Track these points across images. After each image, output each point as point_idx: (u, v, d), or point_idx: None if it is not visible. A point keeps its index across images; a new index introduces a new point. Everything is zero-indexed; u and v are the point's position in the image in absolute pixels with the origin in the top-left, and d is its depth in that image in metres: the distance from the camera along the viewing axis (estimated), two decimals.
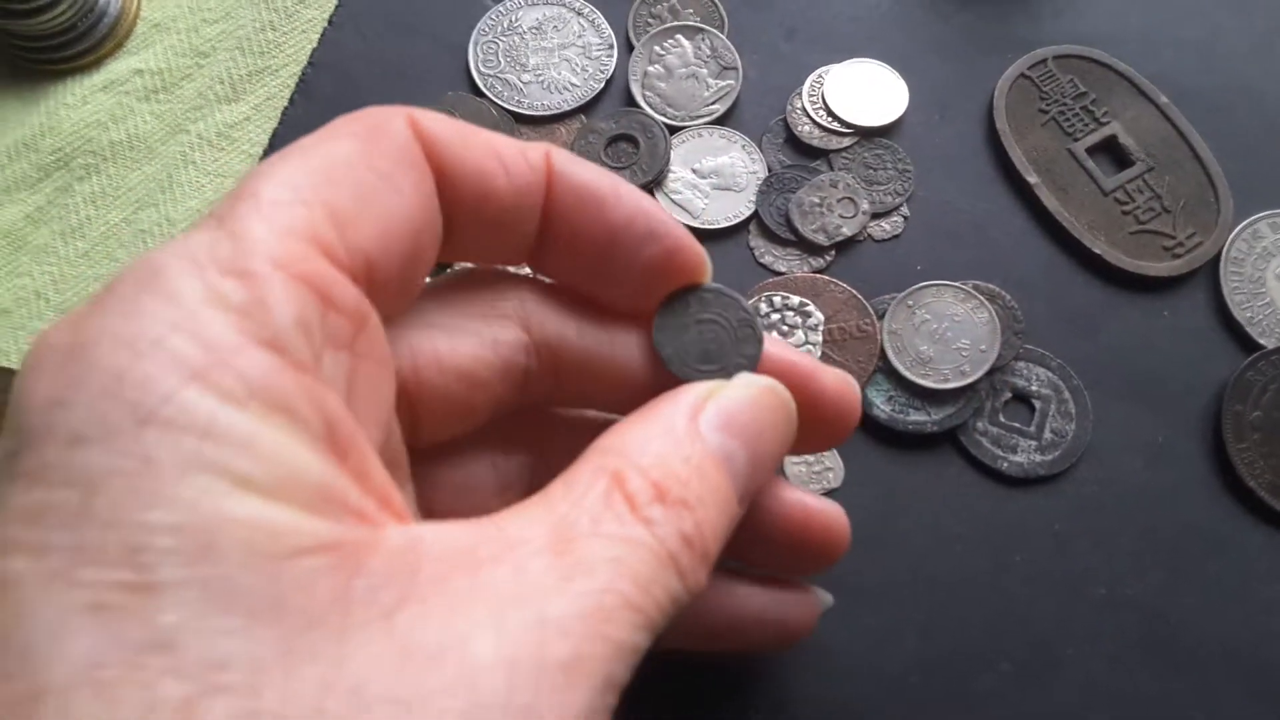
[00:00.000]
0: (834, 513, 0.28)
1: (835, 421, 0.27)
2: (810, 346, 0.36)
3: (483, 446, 0.27)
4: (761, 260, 0.39)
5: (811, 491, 0.29)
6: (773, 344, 0.26)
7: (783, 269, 0.39)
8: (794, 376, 0.26)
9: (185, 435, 0.15)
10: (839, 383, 0.27)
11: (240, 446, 0.16)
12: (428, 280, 0.24)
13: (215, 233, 0.18)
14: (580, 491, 0.20)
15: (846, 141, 0.40)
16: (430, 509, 0.25)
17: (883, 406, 0.36)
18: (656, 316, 0.25)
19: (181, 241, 0.18)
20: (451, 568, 0.17)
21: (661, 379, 0.25)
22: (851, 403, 0.28)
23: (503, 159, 0.23)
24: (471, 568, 0.18)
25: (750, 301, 0.37)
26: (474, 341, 0.24)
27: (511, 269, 0.26)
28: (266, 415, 0.16)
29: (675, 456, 0.21)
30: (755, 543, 0.27)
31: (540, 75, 0.41)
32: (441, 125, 0.22)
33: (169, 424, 0.15)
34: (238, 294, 0.17)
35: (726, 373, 0.25)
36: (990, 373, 0.36)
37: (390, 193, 0.21)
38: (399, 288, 0.22)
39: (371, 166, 0.20)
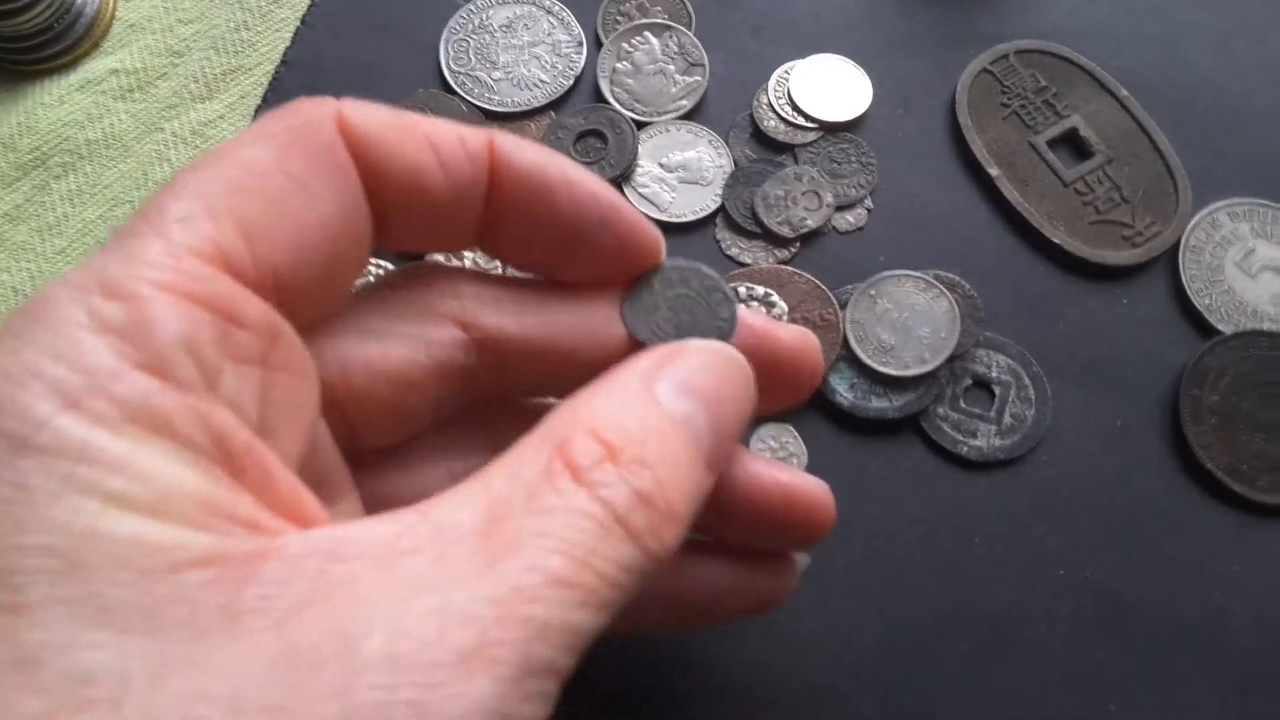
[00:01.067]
0: (817, 489, 0.27)
1: (797, 376, 0.27)
2: None
3: (437, 446, 0.26)
4: (728, 252, 0.39)
5: (792, 467, 0.28)
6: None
7: (748, 260, 0.39)
8: (751, 336, 0.26)
9: (59, 460, 0.16)
10: (798, 337, 0.27)
11: (115, 467, 0.16)
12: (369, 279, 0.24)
13: (108, 256, 0.18)
14: (519, 466, 0.19)
15: (811, 136, 0.41)
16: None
17: (845, 394, 0.37)
18: (624, 304, 0.25)
19: (77, 267, 0.18)
20: (364, 566, 0.17)
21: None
22: (813, 356, 0.27)
23: (439, 151, 0.22)
24: (387, 563, 0.17)
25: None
26: (405, 345, 0.24)
27: (453, 260, 0.26)
28: (144, 436, 0.16)
29: (630, 418, 0.20)
30: (733, 521, 0.26)
31: (510, 72, 0.42)
32: (373, 119, 0.21)
33: (44, 450, 0.16)
34: (119, 317, 0.17)
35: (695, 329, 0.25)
36: (950, 360, 0.37)
37: (306, 200, 0.20)
38: (319, 296, 0.21)
39: (287, 172, 0.20)
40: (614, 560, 0.18)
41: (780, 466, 0.27)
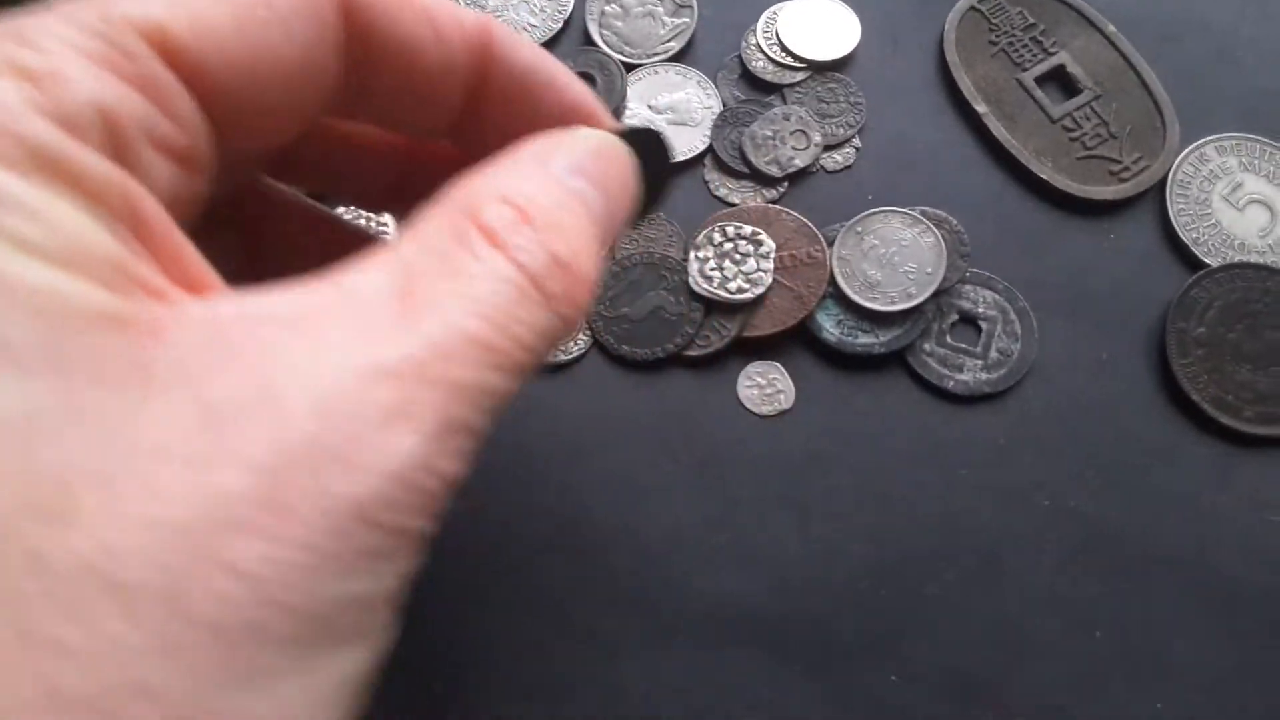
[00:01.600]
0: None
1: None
2: (762, 273, 0.37)
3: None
4: (716, 193, 0.40)
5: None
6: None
7: (736, 200, 0.39)
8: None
9: None
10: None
11: (19, 209, 0.15)
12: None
13: (41, 13, 0.17)
14: (429, 234, 0.18)
15: (800, 76, 0.41)
16: None
17: (832, 330, 0.37)
18: None
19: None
20: (278, 329, 0.16)
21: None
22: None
23: (436, 27, 0.21)
24: (302, 326, 0.16)
25: (704, 232, 0.38)
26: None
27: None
28: (52, 184, 0.15)
29: (536, 189, 0.20)
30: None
31: (499, 15, 0.42)
32: None
33: None
34: (33, 63, 0.16)
35: None
36: (936, 295, 0.37)
37: (275, 31, 0.19)
38: (254, 126, 0.20)
39: (268, 1, 0.19)
40: (530, 325, 0.18)
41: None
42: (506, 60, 0.23)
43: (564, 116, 0.23)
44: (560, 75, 0.24)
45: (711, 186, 0.40)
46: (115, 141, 0.17)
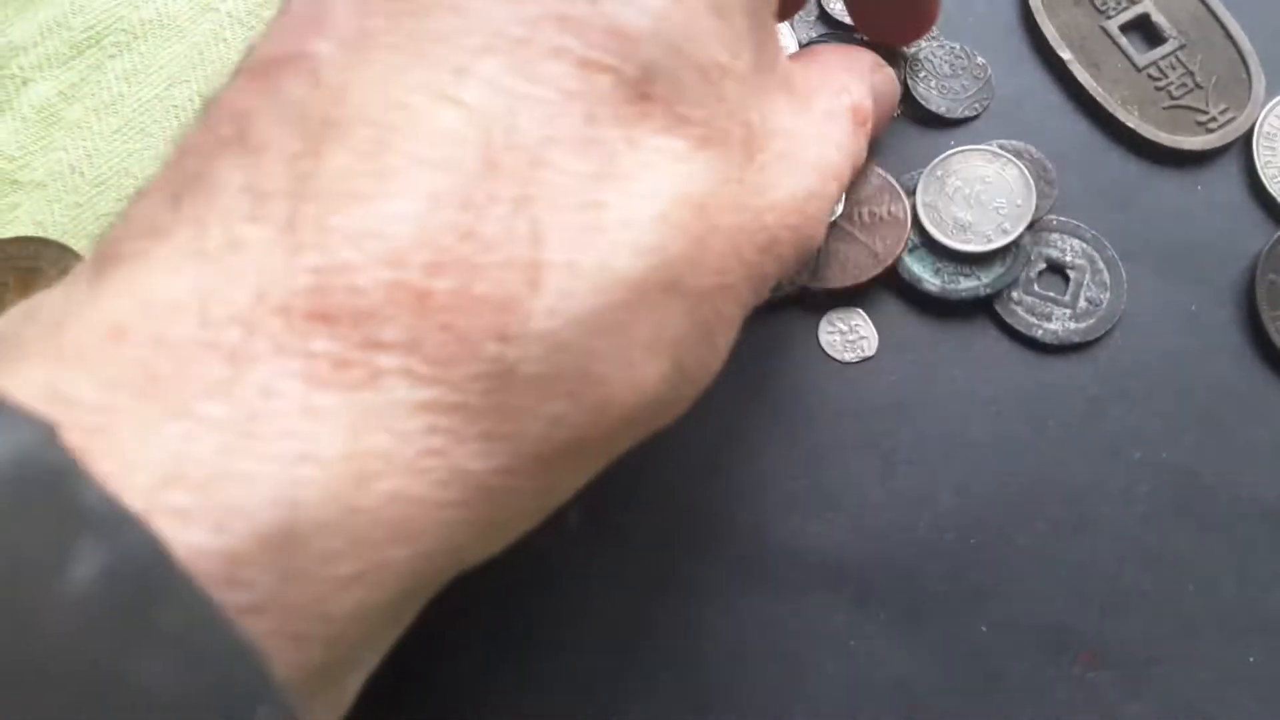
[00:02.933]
0: None
1: None
2: (834, 212, 0.36)
3: None
4: None
5: None
6: None
7: None
8: None
9: None
10: None
11: None
12: None
13: None
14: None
15: None
16: None
17: (932, 280, 0.36)
18: None
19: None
20: None
21: None
22: None
23: None
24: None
25: None
26: None
27: None
28: None
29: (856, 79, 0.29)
30: None
31: None
32: None
33: None
34: None
35: None
36: (1032, 226, 0.36)
37: None
38: None
39: None
40: (857, 158, 0.28)
41: None
42: None
43: None
44: None
45: None
46: None
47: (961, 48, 0.39)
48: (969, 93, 0.39)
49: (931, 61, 0.39)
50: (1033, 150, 0.37)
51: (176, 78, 0.39)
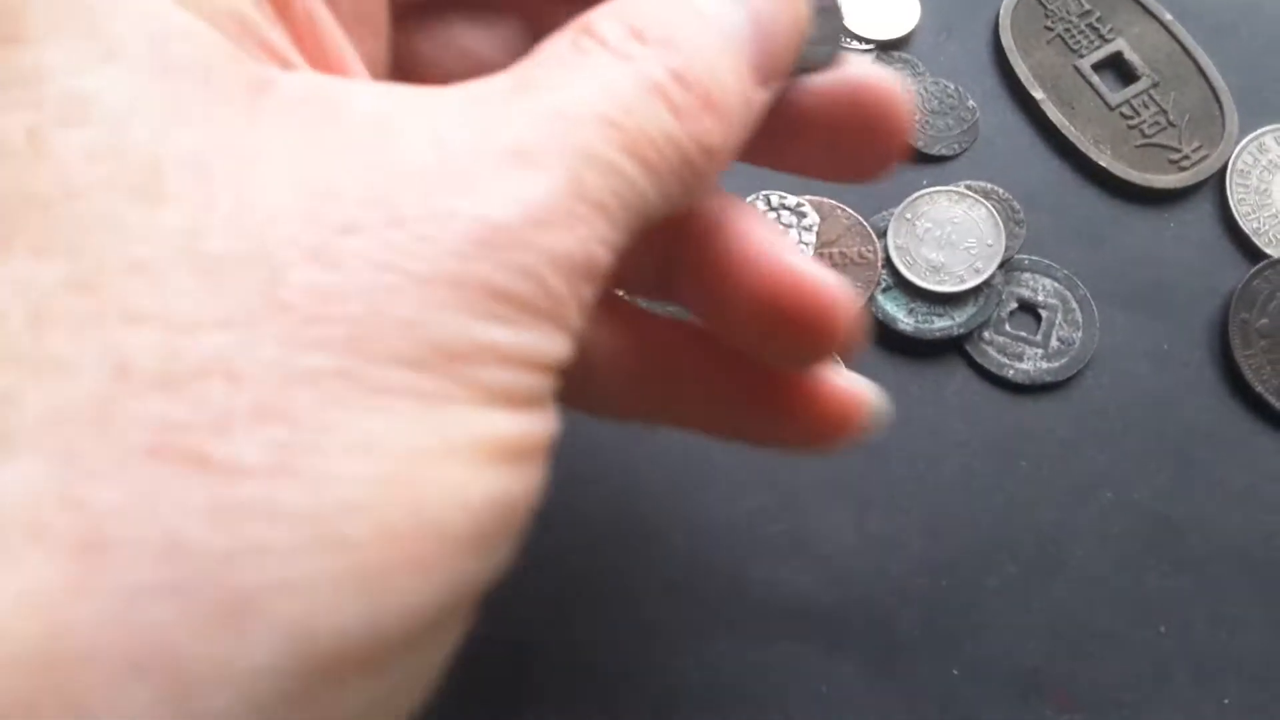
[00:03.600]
0: (828, 276, 0.20)
1: (882, 121, 0.21)
2: (804, 246, 0.36)
3: (473, 15, 0.22)
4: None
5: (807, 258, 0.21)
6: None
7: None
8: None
9: None
10: (883, 77, 0.21)
11: None
12: None
13: None
14: (544, 50, 0.17)
15: (867, 58, 0.40)
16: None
17: (906, 320, 0.36)
18: None
19: None
20: (392, 99, 0.15)
21: None
22: (897, 96, 0.21)
23: None
24: (417, 99, 0.15)
25: (747, 199, 0.37)
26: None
27: None
28: None
29: (659, 8, 0.17)
30: (723, 301, 0.21)
31: None
32: None
33: None
34: None
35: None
36: (1004, 265, 0.37)
37: None
38: None
39: None
40: (657, 125, 0.16)
41: (789, 249, 0.21)
42: None
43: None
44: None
45: None
46: None
47: (955, 88, 0.40)
48: (952, 133, 0.39)
49: (921, 96, 0.39)
50: (1000, 190, 0.38)
51: None
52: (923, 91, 0.40)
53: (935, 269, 0.36)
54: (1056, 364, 0.36)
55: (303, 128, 0.14)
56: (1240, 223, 0.38)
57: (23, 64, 0.13)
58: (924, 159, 0.39)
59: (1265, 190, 0.38)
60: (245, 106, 0.14)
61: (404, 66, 0.21)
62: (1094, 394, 0.36)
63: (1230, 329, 0.36)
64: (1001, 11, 0.41)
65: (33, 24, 0.13)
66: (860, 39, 0.40)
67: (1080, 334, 0.36)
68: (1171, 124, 0.39)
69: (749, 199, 0.37)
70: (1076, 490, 0.35)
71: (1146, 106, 0.39)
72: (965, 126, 0.39)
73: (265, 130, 0.14)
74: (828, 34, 0.20)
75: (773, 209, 0.37)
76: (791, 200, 0.37)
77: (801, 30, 0.19)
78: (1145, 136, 0.39)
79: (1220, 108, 0.39)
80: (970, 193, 0.37)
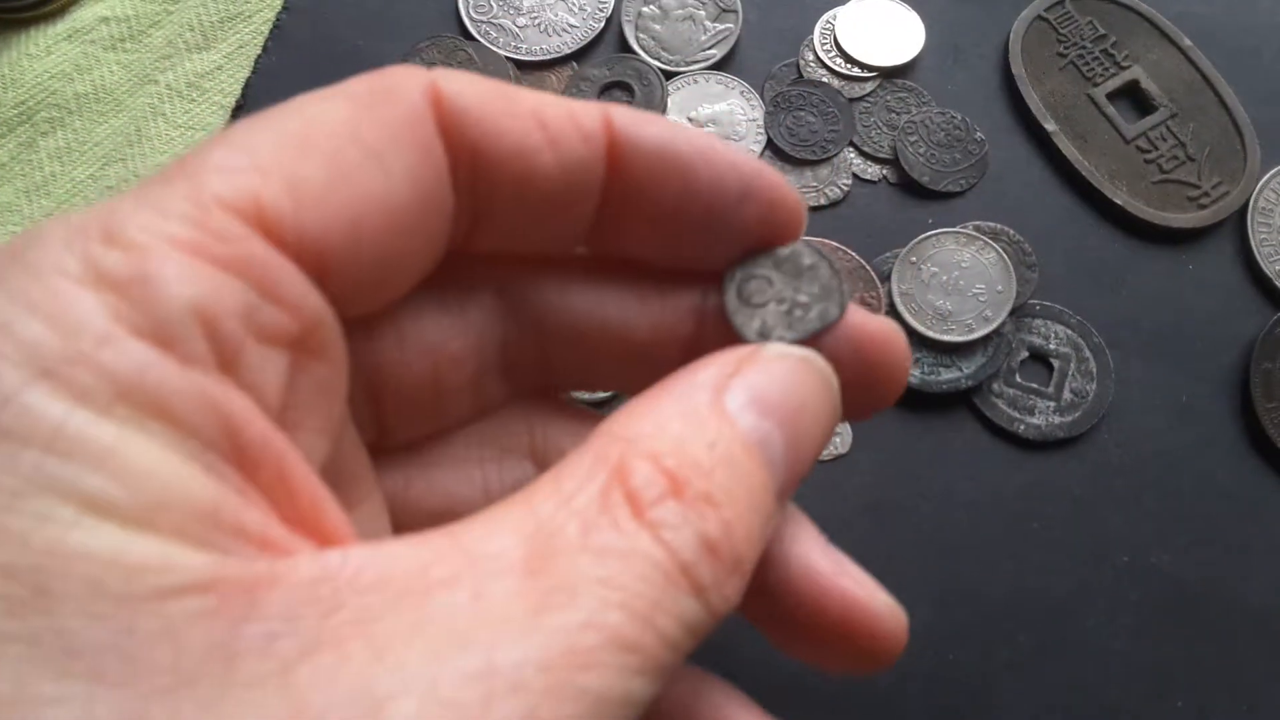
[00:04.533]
0: (885, 609, 0.21)
1: (885, 374, 0.22)
2: None
3: (471, 443, 0.22)
4: None
5: (858, 570, 0.22)
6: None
7: None
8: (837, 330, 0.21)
9: (24, 447, 0.13)
10: (885, 328, 0.22)
11: (95, 460, 0.13)
12: None
13: (124, 199, 0.15)
14: (572, 488, 0.16)
15: (869, 86, 0.38)
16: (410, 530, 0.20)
17: (912, 372, 0.34)
18: (726, 291, 0.21)
19: (82, 210, 0.15)
20: (387, 600, 0.14)
21: (691, 346, 0.21)
22: (901, 350, 0.22)
23: (548, 128, 0.19)
24: (415, 597, 0.14)
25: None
26: (441, 312, 0.21)
27: None
28: (136, 419, 0.14)
29: (697, 441, 0.17)
30: (772, 616, 0.22)
31: (536, 18, 0.39)
32: (472, 92, 0.18)
33: (6, 434, 0.13)
34: (119, 270, 0.14)
35: (789, 323, 0.21)
36: (1014, 312, 0.35)
37: (376, 172, 0.17)
38: (370, 287, 0.18)
39: (359, 137, 0.17)
40: (677, 618, 0.15)
41: (844, 564, 0.22)
42: (635, 143, 0.19)
43: (720, 186, 0.20)
44: (702, 140, 0.20)
45: None
46: (216, 344, 0.15)
47: (963, 119, 0.38)
48: (959, 167, 0.37)
49: (927, 127, 0.37)
50: (1011, 232, 0.36)
51: (112, 155, 0.37)
52: (928, 123, 0.37)
53: (942, 317, 0.34)
54: (1069, 418, 0.34)
55: (275, 700, 0.13)
56: (1263, 265, 0.36)
57: None
58: (930, 195, 0.37)
59: None
60: (218, 676, 0.13)
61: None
62: (1109, 450, 0.34)
63: (1252, 380, 0.34)
64: (1012, 36, 0.39)
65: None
66: (863, 66, 0.38)
67: (1094, 385, 0.34)
68: (1190, 158, 0.37)
69: None
70: (1091, 553, 0.33)
71: (1164, 139, 0.37)
72: (973, 160, 0.37)
73: (236, 715, 0.13)
74: (827, 288, 0.20)
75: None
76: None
77: (831, 432, 0.20)
78: (1163, 172, 0.37)
79: (1242, 140, 0.37)
80: (979, 234, 0.35)
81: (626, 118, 0.19)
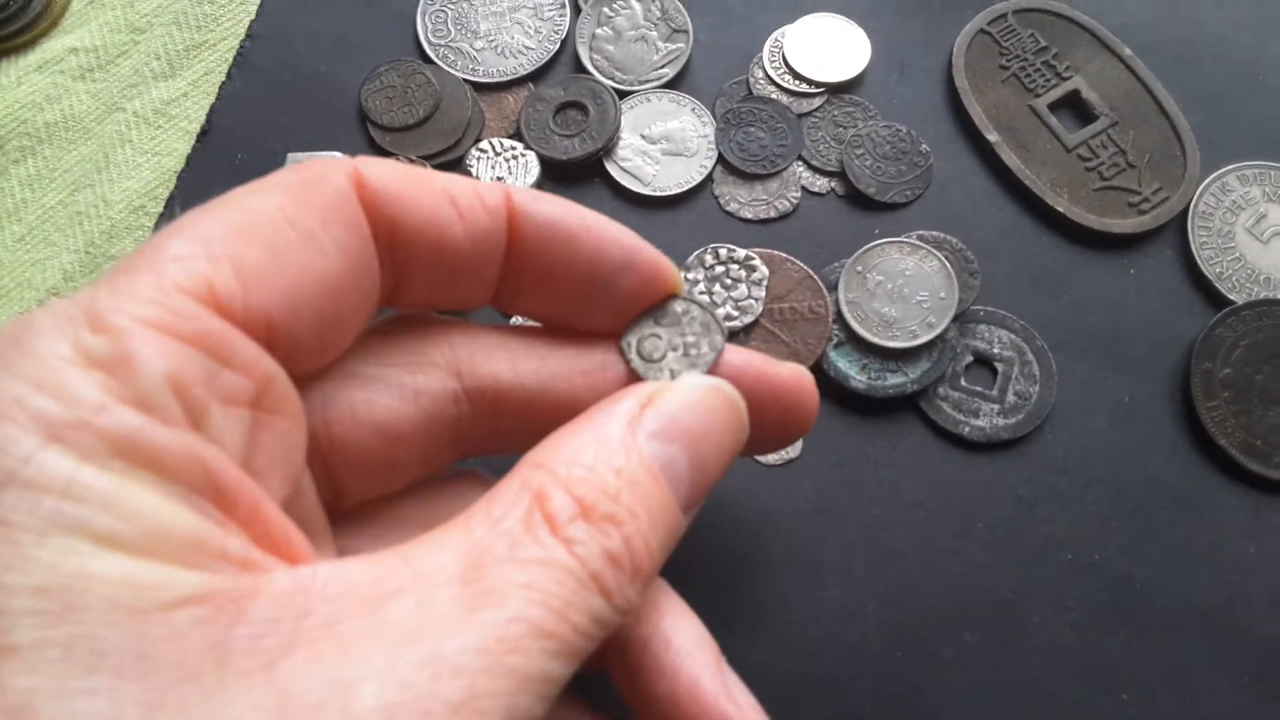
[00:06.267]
0: (796, 376, 0.26)
1: (792, 414, 0.27)
2: (753, 300, 0.35)
3: (421, 505, 0.26)
4: (727, 208, 0.38)
5: (742, 692, 0.25)
6: (728, 349, 0.26)
7: (749, 215, 0.38)
8: (747, 375, 0.25)
9: (45, 496, 0.15)
10: (794, 375, 0.26)
11: (103, 504, 0.16)
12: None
13: (99, 289, 0.18)
14: (500, 513, 0.19)
15: (817, 102, 0.39)
16: None
17: (859, 377, 0.35)
18: (626, 345, 0.25)
19: (65, 300, 0.18)
20: (348, 607, 0.17)
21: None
22: (809, 393, 0.27)
23: (457, 204, 0.22)
24: (371, 605, 0.17)
25: (695, 254, 0.36)
26: (393, 394, 0.23)
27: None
28: (132, 471, 0.16)
29: (606, 468, 0.20)
30: None
31: (493, 41, 0.40)
32: (389, 175, 0.22)
33: (29, 485, 0.15)
34: (104, 351, 0.17)
35: (690, 363, 0.25)
36: (958, 318, 0.36)
37: (310, 251, 0.20)
38: (316, 347, 0.21)
39: (293, 221, 0.20)
40: (585, 612, 0.18)
41: (732, 688, 0.25)
42: (531, 217, 0.23)
43: (603, 257, 0.24)
44: (588, 217, 0.24)
45: (721, 201, 0.38)
46: (188, 409, 0.17)
47: (908, 132, 0.39)
48: (905, 179, 0.38)
49: (873, 141, 0.38)
50: (953, 240, 0.37)
51: (81, 182, 0.38)
52: (874, 136, 0.38)
53: (888, 324, 0.35)
54: (1013, 420, 0.35)
55: (264, 689, 0.15)
56: (1203, 268, 0.37)
57: (16, 686, 0.14)
58: (876, 206, 0.38)
59: (1228, 233, 0.37)
60: (215, 670, 0.16)
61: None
62: (1052, 450, 0.35)
63: (1193, 380, 0.35)
64: (955, 50, 0.40)
65: (17, 630, 0.15)
66: (810, 82, 0.39)
67: (1038, 388, 0.35)
68: (1131, 165, 0.38)
69: (697, 252, 0.36)
70: (1035, 552, 0.34)
71: (1105, 147, 0.38)
72: (918, 172, 0.38)
73: (233, 699, 0.15)
74: (705, 324, 0.25)
75: (722, 262, 0.36)
76: (740, 253, 0.36)
77: (740, 445, 0.24)
78: (1104, 179, 0.38)
79: (1182, 147, 0.38)
80: (922, 244, 0.36)
81: (524, 196, 0.23)
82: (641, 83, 0.40)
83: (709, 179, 0.38)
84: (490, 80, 0.40)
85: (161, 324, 0.18)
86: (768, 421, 0.26)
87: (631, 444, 0.21)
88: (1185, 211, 0.37)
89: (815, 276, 0.36)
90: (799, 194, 0.38)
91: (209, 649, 0.16)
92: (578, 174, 0.39)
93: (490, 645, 0.17)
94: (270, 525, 0.18)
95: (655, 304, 0.25)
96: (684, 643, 0.24)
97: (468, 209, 0.22)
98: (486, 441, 0.25)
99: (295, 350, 0.20)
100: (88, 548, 0.15)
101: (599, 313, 0.25)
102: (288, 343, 0.20)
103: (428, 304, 0.24)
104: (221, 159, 0.38)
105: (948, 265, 0.36)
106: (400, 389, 0.24)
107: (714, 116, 0.39)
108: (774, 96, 0.39)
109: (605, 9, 0.41)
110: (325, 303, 0.21)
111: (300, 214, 0.20)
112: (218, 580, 0.16)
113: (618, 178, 0.38)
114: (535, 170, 0.38)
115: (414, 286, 0.23)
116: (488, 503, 0.20)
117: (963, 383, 0.35)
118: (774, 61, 0.40)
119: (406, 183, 0.22)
